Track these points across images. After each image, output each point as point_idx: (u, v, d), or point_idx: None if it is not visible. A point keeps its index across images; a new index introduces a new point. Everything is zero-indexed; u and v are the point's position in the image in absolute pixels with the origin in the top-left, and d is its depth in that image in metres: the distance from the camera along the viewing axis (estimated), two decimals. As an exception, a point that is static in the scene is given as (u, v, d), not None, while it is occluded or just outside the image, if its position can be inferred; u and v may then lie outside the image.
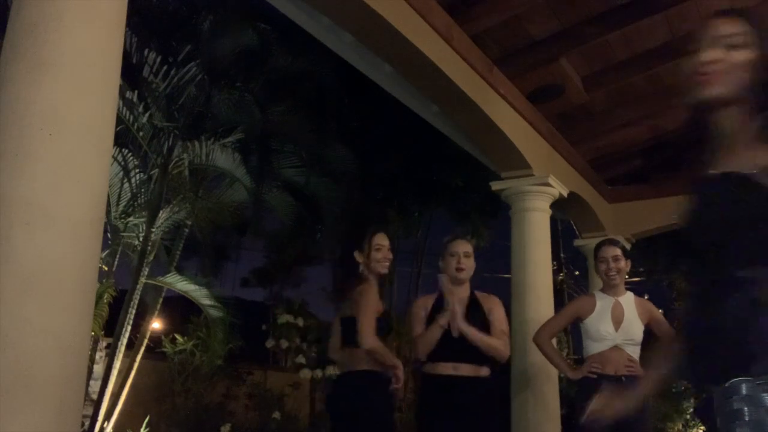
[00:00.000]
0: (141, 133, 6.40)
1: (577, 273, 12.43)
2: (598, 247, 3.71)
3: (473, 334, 3.20)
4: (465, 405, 3.17)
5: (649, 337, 3.62)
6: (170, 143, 6.54)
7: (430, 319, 3.30)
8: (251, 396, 8.64)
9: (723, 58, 1.36)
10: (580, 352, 4.40)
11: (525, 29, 4.39)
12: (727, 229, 1.31)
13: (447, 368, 3.23)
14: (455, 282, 3.37)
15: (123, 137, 6.27)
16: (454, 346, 3.20)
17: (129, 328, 6.31)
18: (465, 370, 3.22)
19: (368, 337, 2.87)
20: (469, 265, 3.41)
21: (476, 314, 3.31)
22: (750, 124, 1.35)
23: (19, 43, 2.10)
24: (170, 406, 7.70)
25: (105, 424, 6.12)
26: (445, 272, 3.41)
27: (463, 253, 3.41)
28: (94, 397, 6.24)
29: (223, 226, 7.82)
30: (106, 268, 6.32)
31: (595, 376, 3.47)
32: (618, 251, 3.61)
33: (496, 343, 3.26)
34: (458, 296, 3.33)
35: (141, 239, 6.47)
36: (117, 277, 6.52)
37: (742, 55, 1.36)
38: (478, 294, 3.43)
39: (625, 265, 3.62)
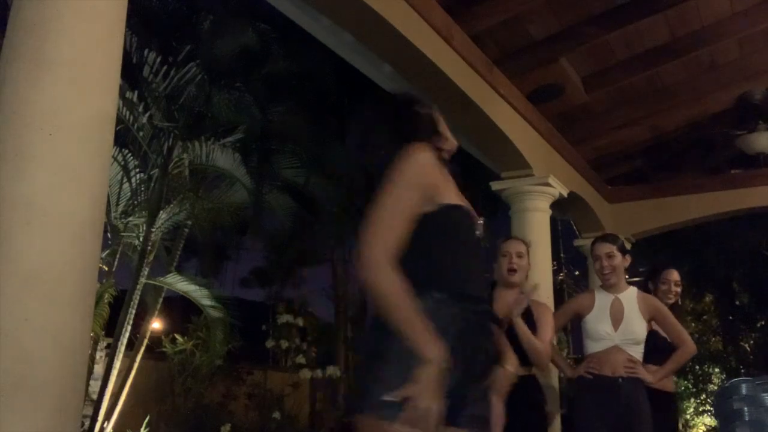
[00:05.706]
0: (141, 133, 6.39)
1: (577, 273, 12.40)
2: (592, 244, 3.59)
3: (522, 329, 3.05)
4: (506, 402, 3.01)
5: (652, 335, 3.50)
6: (170, 143, 6.54)
7: None
8: (251, 396, 8.64)
9: None
10: (580, 351, 4.38)
11: (525, 29, 4.39)
12: None
13: None
14: (507, 284, 3.22)
15: (123, 137, 6.27)
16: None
17: (129, 328, 6.31)
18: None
19: None
20: (522, 265, 3.25)
21: (525, 320, 3.16)
22: None
23: (19, 43, 2.09)
24: (170, 406, 7.69)
25: (105, 424, 6.12)
26: (497, 273, 3.26)
27: (516, 253, 3.25)
28: (94, 397, 6.23)
29: (223, 226, 7.81)
30: (106, 268, 6.32)
31: (590, 377, 3.35)
32: (612, 248, 3.45)
33: (540, 347, 3.11)
34: (508, 300, 3.17)
35: (141, 239, 6.47)
36: (117, 277, 6.51)
37: None
38: (529, 300, 3.26)
39: (621, 261, 3.45)
